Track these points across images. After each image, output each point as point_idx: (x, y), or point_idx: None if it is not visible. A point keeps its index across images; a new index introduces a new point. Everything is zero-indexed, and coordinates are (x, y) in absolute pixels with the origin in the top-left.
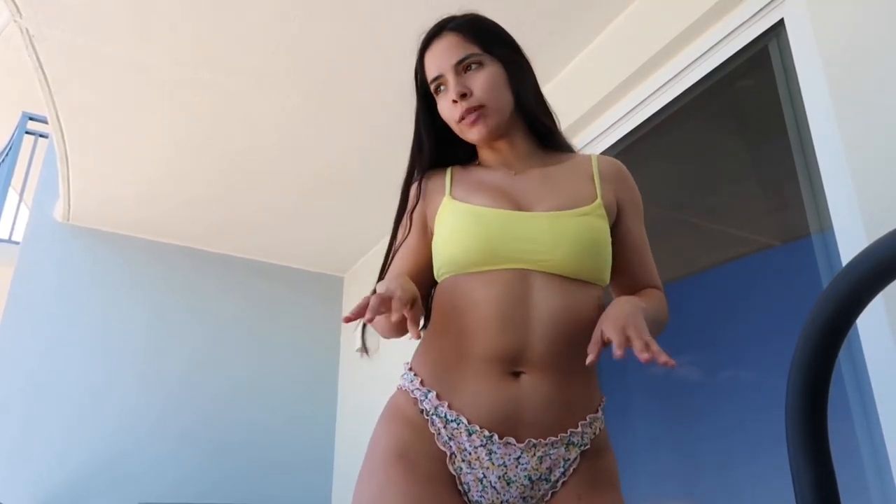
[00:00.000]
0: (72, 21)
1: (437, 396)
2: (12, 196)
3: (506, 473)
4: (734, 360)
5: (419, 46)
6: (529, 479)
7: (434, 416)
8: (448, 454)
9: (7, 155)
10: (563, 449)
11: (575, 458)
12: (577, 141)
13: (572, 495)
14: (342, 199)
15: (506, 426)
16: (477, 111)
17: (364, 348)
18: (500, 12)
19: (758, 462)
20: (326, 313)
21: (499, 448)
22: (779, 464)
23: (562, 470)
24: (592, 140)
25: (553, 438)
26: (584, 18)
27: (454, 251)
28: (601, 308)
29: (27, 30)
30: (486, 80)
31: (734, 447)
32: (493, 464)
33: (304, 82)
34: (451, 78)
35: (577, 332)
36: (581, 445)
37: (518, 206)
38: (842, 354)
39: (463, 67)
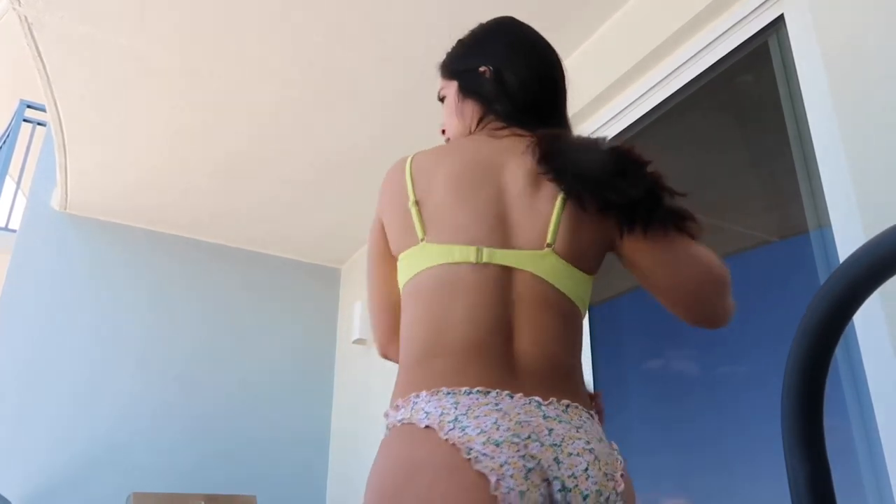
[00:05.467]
0: (71, 9)
1: None
2: (9, 184)
3: None
4: (731, 355)
5: None
6: None
7: None
8: None
9: (4, 143)
10: None
11: None
12: None
13: None
14: (340, 191)
15: None
16: None
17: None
18: (500, 7)
19: (754, 458)
20: (323, 304)
21: None
22: (775, 460)
23: None
24: (590, 134)
25: None
26: (581, 14)
27: None
28: None
29: (26, 17)
30: (445, 112)
31: (731, 443)
32: None
33: (304, 72)
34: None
35: None
36: None
37: None
38: (838, 351)
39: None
